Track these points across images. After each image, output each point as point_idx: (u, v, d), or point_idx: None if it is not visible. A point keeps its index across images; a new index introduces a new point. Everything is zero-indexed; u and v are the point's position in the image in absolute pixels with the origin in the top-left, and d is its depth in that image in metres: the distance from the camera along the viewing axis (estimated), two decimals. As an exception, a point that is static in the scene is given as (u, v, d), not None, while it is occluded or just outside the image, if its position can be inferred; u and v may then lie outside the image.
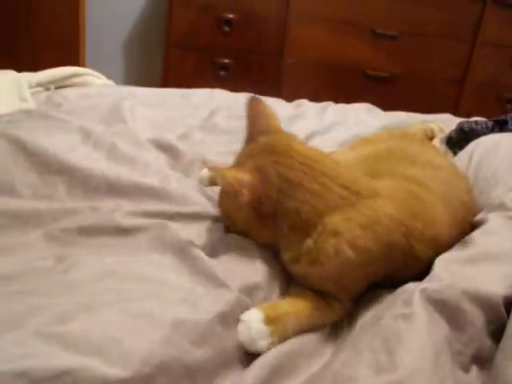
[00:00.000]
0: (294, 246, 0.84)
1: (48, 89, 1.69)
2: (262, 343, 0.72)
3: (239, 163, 0.91)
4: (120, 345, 0.63)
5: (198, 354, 0.67)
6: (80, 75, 1.80)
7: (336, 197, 0.82)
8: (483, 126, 1.57)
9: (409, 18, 2.87)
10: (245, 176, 0.83)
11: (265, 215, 0.85)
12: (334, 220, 0.81)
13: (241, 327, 0.73)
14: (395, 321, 0.71)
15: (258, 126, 0.96)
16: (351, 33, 2.87)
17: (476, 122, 1.60)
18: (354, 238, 0.80)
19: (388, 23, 2.87)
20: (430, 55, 2.96)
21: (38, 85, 1.65)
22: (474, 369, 0.71)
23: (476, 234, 0.92)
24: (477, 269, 0.82)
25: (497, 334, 0.74)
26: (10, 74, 1.60)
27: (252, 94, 1.04)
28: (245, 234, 0.91)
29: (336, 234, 0.80)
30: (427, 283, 0.77)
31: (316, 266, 0.82)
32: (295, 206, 0.82)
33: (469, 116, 1.78)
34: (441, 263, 0.83)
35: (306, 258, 0.83)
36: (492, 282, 0.78)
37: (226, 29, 2.76)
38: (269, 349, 0.72)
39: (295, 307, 0.79)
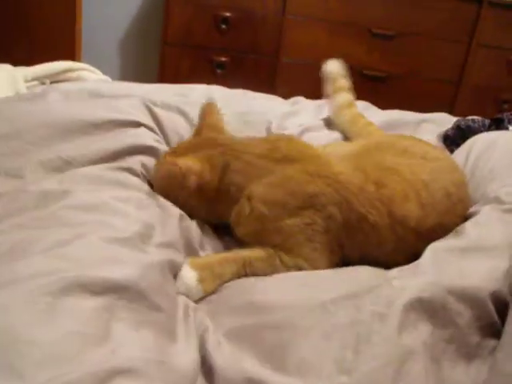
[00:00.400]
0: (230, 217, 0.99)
1: (43, 83, 1.67)
2: (196, 290, 0.84)
3: (179, 153, 1.03)
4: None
5: None
6: (75, 70, 1.79)
7: (257, 169, 0.97)
8: (480, 123, 1.57)
9: (405, 18, 2.88)
10: (195, 165, 0.96)
11: (205, 197, 0.99)
12: (251, 188, 0.96)
13: (178, 282, 0.84)
14: (372, 319, 0.71)
15: (206, 123, 1.13)
16: (347, 33, 2.87)
17: (473, 119, 1.60)
18: (264, 195, 0.94)
19: (385, 23, 2.88)
20: (427, 56, 2.97)
21: (34, 79, 1.63)
22: (461, 364, 0.71)
23: (468, 224, 0.92)
24: (465, 261, 0.83)
25: (488, 329, 0.74)
26: (6, 68, 1.59)
27: (208, 101, 1.20)
28: (182, 209, 1.00)
29: (250, 197, 0.95)
30: (411, 277, 0.77)
31: (240, 226, 0.97)
32: (228, 188, 0.98)
33: (465, 116, 1.77)
34: (430, 252, 0.84)
35: (233, 223, 0.98)
36: (480, 277, 0.78)
37: (223, 27, 2.76)
38: (206, 292, 0.85)
39: (224, 256, 0.93)
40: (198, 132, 1.13)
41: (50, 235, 0.75)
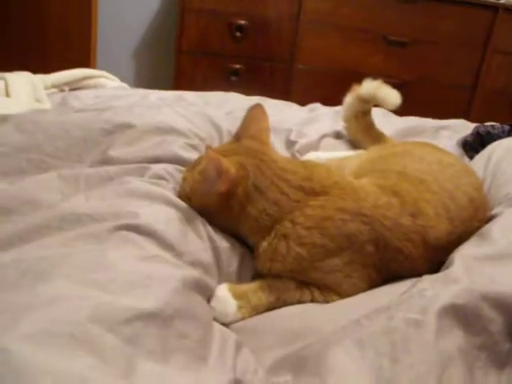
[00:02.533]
0: (253, 245, 0.95)
1: (63, 90, 1.69)
2: (234, 317, 0.83)
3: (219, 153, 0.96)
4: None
5: None
6: (94, 77, 1.80)
7: (292, 202, 0.90)
8: (500, 130, 1.56)
9: (420, 25, 2.88)
10: (232, 168, 0.89)
11: (228, 207, 0.92)
12: (285, 225, 0.89)
13: (214, 302, 0.82)
14: (406, 326, 0.70)
15: (248, 130, 1.01)
16: (362, 40, 2.87)
17: (492, 126, 1.59)
18: (301, 237, 0.88)
19: (399, 30, 2.88)
20: (442, 62, 2.97)
21: (53, 86, 1.65)
22: (492, 372, 0.70)
23: (494, 228, 0.91)
24: (497, 268, 0.81)
25: None
26: (26, 75, 1.61)
27: (259, 102, 1.08)
28: (204, 215, 0.94)
29: (286, 236, 0.89)
30: (444, 286, 0.76)
31: (276, 262, 0.90)
32: (255, 214, 0.91)
33: (481, 122, 1.77)
34: (461, 259, 0.83)
35: (264, 256, 0.92)
36: None
37: (238, 34, 2.77)
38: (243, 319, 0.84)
39: (259, 286, 0.89)
40: (238, 137, 1.03)
41: (73, 257, 0.71)
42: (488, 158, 1.30)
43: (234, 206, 0.91)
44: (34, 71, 1.68)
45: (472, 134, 1.55)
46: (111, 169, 1.03)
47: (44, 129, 1.16)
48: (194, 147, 1.17)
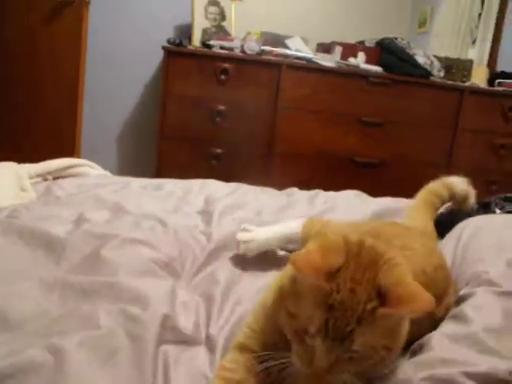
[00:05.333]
0: None
1: (46, 179, 1.74)
2: None
3: None
4: None
5: None
6: (76, 166, 1.86)
7: None
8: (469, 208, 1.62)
9: (393, 106, 3.03)
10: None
11: None
12: None
13: None
14: None
15: None
16: (338, 122, 3.00)
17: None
18: None
19: (374, 112, 3.01)
20: (416, 141, 3.09)
21: (37, 175, 1.70)
22: None
23: (467, 309, 0.93)
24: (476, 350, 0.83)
25: None
26: (11, 165, 1.66)
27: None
28: None
29: None
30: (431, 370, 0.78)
31: None
32: None
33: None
34: (441, 339, 0.85)
35: None
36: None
37: (218, 120, 2.88)
38: None
39: None
40: None
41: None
42: (457, 240, 1.34)
43: None
44: (24, 158, 1.75)
45: (442, 214, 1.60)
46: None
47: None
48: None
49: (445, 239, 1.43)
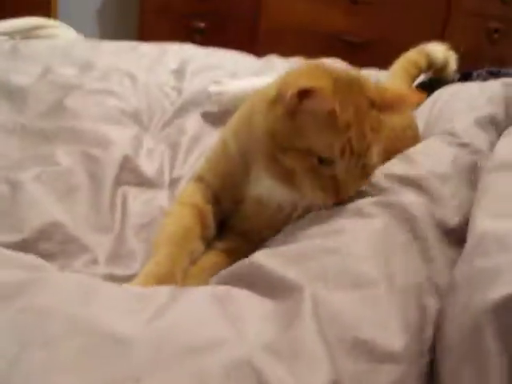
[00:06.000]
0: None
1: (14, 38, 1.66)
2: None
3: None
4: None
5: None
6: (47, 27, 1.78)
7: None
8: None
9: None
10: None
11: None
12: None
13: None
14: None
15: None
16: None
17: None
18: None
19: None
20: (406, 22, 2.97)
21: (4, 33, 1.62)
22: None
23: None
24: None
25: None
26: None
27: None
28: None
29: None
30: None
31: None
32: None
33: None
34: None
35: None
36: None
37: (202, -8, 2.74)
38: None
39: None
40: None
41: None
42: (433, 102, 1.33)
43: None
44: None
45: (422, 82, 1.57)
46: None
47: None
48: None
49: (424, 102, 1.41)
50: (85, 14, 3.19)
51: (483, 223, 0.66)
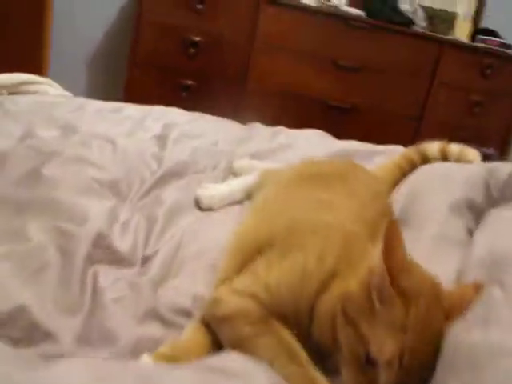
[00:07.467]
0: None
1: (1, 93, 1.67)
2: None
3: None
4: None
5: None
6: (35, 83, 1.79)
7: None
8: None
9: (369, 52, 2.96)
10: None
11: None
12: None
13: None
14: None
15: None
16: (314, 63, 2.93)
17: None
18: None
19: (349, 56, 2.95)
20: (390, 91, 3.05)
21: (-9, 88, 1.63)
22: None
23: None
24: None
25: None
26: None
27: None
28: None
29: None
30: None
31: None
32: None
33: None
34: None
35: None
36: None
37: (192, 51, 2.79)
38: None
39: None
40: None
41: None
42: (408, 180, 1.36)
43: None
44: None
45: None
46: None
47: None
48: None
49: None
50: (75, 66, 3.23)
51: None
